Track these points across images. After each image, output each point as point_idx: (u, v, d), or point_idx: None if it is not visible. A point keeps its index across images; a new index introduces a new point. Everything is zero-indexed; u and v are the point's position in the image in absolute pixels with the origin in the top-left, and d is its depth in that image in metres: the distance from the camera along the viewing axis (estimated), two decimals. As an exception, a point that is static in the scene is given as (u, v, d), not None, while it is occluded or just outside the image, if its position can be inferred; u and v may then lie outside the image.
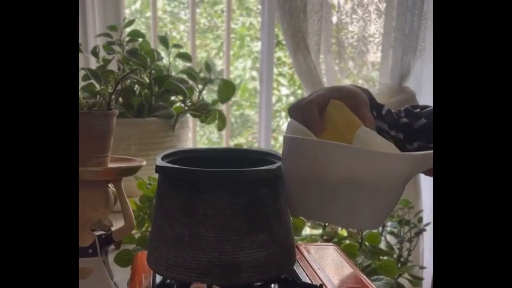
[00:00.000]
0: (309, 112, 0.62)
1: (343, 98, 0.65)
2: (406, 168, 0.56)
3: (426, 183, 1.70)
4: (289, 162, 0.61)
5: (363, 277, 0.68)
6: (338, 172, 0.56)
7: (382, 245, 1.23)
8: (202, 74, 1.44)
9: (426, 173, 0.61)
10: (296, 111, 0.65)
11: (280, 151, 0.66)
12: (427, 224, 1.32)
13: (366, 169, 0.55)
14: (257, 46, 2.64)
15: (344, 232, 1.20)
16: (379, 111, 0.74)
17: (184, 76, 1.42)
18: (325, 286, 0.64)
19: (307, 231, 1.27)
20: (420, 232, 1.29)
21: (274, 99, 2.33)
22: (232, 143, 2.09)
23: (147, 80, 1.34)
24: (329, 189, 0.57)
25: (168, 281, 0.64)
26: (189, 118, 1.46)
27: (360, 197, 0.57)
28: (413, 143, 0.74)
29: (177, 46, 1.48)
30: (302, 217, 0.65)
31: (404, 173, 0.56)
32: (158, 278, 0.65)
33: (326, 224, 1.21)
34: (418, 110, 0.77)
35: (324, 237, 1.19)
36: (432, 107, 0.77)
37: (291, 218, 0.65)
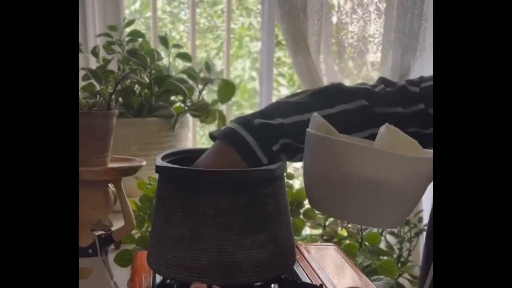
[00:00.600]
0: None
1: None
2: (430, 170, 0.56)
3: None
4: (312, 158, 0.60)
5: (363, 277, 0.68)
6: (360, 172, 0.55)
7: (382, 245, 1.23)
8: (202, 74, 1.44)
9: None
10: None
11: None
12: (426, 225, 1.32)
13: (388, 171, 0.55)
14: (256, 46, 2.63)
15: (344, 232, 1.20)
16: None
17: (184, 76, 1.42)
18: (325, 286, 0.64)
19: (307, 231, 1.27)
20: (420, 232, 1.29)
21: (274, 99, 2.33)
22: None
23: (147, 80, 1.34)
24: (349, 188, 0.57)
25: (168, 281, 0.64)
26: (189, 118, 1.46)
27: (381, 198, 0.56)
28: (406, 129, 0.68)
29: (177, 46, 1.48)
30: (318, 211, 0.64)
31: (427, 175, 0.56)
32: (158, 278, 0.65)
33: (326, 224, 1.22)
34: (416, 89, 0.72)
35: (324, 237, 1.19)
36: (431, 83, 0.73)
37: (291, 218, 0.65)
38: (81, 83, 1.31)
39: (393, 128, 0.59)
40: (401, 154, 0.55)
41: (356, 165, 0.56)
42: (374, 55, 1.74)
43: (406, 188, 0.56)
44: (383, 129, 0.59)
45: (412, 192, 0.58)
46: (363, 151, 0.56)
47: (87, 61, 1.55)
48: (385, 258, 1.16)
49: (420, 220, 1.31)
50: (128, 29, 1.43)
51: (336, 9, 1.69)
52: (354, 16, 1.69)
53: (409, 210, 0.60)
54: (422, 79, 0.74)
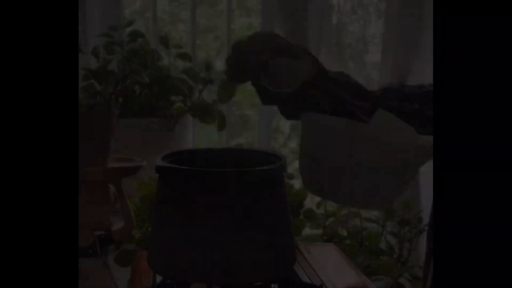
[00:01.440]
0: None
1: None
2: (420, 157, 0.59)
3: (426, 183, 1.70)
4: (310, 144, 0.64)
5: (363, 277, 0.68)
6: (352, 158, 0.59)
7: (382, 245, 1.23)
8: (202, 74, 1.44)
9: None
10: None
11: (280, 151, 0.66)
12: (427, 224, 1.32)
13: (379, 156, 0.58)
14: (257, 46, 2.63)
15: (344, 232, 1.20)
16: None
17: (184, 76, 1.42)
18: (325, 286, 0.64)
19: (307, 231, 1.27)
20: (420, 232, 1.29)
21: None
22: (232, 143, 2.08)
23: (147, 80, 1.34)
24: (328, 168, 0.61)
25: (168, 281, 0.64)
26: (189, 118, 1.46)
27: (372, 180, 0.60)
28: None
29: (177, 46, 1.48)
30: (311, 192, 0.69)
31: (417, 160, 0.60)
32: (158, 278, 0.65)
33: (326, 224, 1.22)
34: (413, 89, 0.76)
35: (324, 237, 1.19)
36: (426, 89, 0.76)
37: (291, 218, 0.65)
38: (81, 83, 1.31)
39: (387, 113, 0.62)
40: (388, 142, 0.58)
41: (333, 147, 0.60)
42: (374, 55, 1.74)
43: (396, 172, 0.60)
44: (377, 113, 0.62)
45: (401, 176, 0.61)
46: (335, 133, 0.60)
47: (87, 61, 1.55)
48: (385, 258, 1.16)
49: (420, 220, 1.31)
50: (128, 29, 1.43)
51: (336, 9, 1.69)
52: (354, 16, 1.69)
53: (400, 192, 0.63)
54: (421, 85, 0.77)
